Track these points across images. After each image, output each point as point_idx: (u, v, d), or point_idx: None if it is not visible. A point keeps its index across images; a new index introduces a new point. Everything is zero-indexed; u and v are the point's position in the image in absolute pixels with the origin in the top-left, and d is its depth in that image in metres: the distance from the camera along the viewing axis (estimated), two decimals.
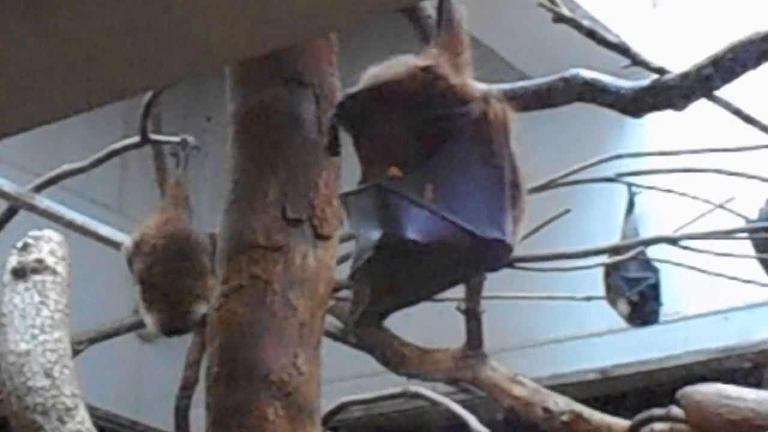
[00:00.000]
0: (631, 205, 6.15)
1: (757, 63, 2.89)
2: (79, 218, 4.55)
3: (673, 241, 4.95)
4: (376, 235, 2.22)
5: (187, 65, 1.47)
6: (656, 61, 3.04)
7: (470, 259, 2.31)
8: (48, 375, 3.14)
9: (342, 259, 2.71)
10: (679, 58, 3.23)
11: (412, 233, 2.19)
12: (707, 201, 5.08)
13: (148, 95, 4.06)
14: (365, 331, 5.17)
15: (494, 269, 2.42)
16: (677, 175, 5.08)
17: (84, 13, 1.32)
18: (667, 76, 2.88)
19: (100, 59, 1.41)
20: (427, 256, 2.24)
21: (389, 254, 2.22)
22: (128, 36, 1.36)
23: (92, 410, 3.24)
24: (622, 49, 3.20)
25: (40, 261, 3.37)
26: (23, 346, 3.18)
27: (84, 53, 1.40)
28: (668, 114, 3.22)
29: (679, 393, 4.10)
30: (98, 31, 1.36)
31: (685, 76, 2.87)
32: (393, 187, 2.24)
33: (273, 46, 1.58)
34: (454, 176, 2.27)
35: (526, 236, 4.36)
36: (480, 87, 2.37)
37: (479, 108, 2.30)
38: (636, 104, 2.87)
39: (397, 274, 2.28)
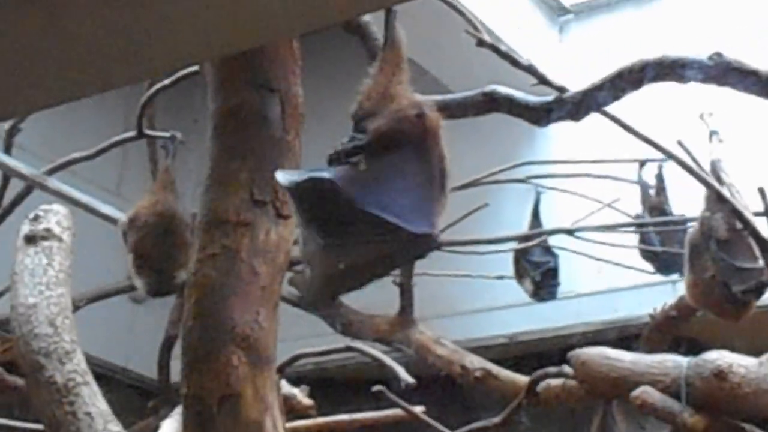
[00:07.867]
0: (537, 202, 6.16)
1: (618, 97, 2.92)
2: (84, 198, 4.49)
3: (570, 232, 5.02)
4: (321, 237, 2.18)
5: (171, 60, 1.45)
6: (558, 81, 3.06)
7: (404, 250, 2.29)
8: (51, 324, 3.10)
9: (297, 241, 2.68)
10: (580, 81, 3.24)
11: (354, 236, 2.17)
12: (598, 201, 5.17)
13: (144, 97, 4.04)
14: (319, 303, 5.16)
15: (422, 257, 2.39)
16: (575, 179, 5.15)
17: (83, 13, 1.30)
18: (566, 94, 2.90)
19: (96, 53, 1.39)
20: (367, 248, 2.22)
21: (334, 249, 2.20)
22: (121, 34, 1.34)
23: (88, 358, 3.19)
24: (531, 71, 3.23)
25: (48, 230, 3.33)
26: (31, 300, 3.14)
27: (81, 48, 1.38)
28: (571, 128, 3.23)
29: (570, 354, 4.12)
30: (95, 28, 1.34)
31: (573, 98, 2.90)
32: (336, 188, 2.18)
33: (242, 46, 1.56)
34: (392, 177, 2.23)
35: (452, 225, 4.41)
36: (417, 97, 2.35)
37: (417, 116, 2.28)
38: (539, 115, 2.89)
39: (343, 263, 2.25)
